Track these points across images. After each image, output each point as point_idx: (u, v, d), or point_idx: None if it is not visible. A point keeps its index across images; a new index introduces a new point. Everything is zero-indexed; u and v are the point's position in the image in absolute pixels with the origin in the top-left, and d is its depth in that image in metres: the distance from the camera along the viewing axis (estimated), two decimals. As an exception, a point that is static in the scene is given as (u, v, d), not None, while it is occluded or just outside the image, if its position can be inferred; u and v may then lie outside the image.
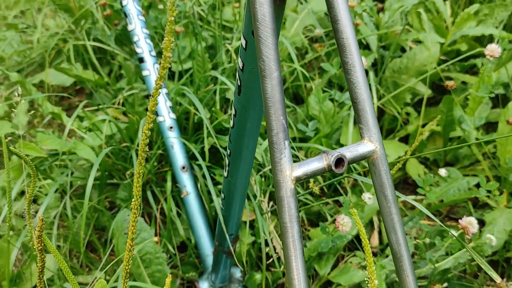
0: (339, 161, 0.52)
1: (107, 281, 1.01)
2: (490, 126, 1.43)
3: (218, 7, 1.54)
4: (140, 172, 0.48)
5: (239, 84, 0.65)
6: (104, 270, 1.02)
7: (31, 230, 0.73)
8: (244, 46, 0.60)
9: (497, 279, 0.62)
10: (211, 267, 1.07)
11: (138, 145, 1.14)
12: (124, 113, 1.45)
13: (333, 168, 0.51)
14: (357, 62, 0.54)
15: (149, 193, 1.17)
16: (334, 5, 0.50)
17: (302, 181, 0.50)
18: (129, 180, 1.12)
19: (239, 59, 0.63)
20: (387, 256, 1.08)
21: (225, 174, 0.82)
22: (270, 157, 0.50)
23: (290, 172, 0.50)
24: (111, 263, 0.84)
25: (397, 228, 0.58)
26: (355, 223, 1.10)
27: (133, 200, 0.49)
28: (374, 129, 0.55)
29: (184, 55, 1.42)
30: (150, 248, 1.03)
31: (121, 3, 1.20)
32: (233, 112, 0.70)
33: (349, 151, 0.54)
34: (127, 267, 0.53)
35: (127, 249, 0.50)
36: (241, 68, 0.63)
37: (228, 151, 0.77)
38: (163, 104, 1.17)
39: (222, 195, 0.87)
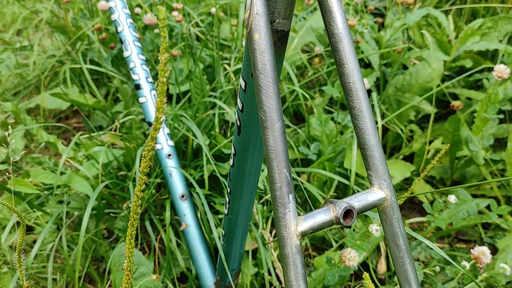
0: (348, 213, 0.49)
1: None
2: (497, 141, 1.40)
3: (216, 25, 1.51)
4: (133, 233, 0.44)
5: (238, 124, 0.62)
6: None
7: (23, 278, 0.69)
8: (243, 87, 0.56)
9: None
10: (214, 300, 1.03)
11: (135, 174, 1.10)
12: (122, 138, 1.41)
13: (342, 220, 0.48)
14: (365, 107, 0.50)
15: (147, 223, 1.13)
16: (339, 48, 0.47)
17: (308, 235, 0.46)
18: (126, 212, 1.09)
19: (238, 100, 0.59)
20: (396, 284, 1.05)
21: (226, 211, 0.78)
22: (273, 211, 0.46)
23: (295, 227, 0.47)
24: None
25: (410, 279, 0.54)
26: (360, 252, 1.06)
27: (125, 262, 0.45)
28: (385, 176, 0.52)
29: (182, 77, 1.39)
30: (149, 283, 0.99)
31: (116, 29, 1.17)
32: (232, 151, 0.67)
33: (358, 201, 0.51)
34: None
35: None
36: (240, 109, 0.60)
37: (228, 189, 0.73)
38: (161, 132, 1.13)
39: (223, 231, 0.83)
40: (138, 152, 1.08)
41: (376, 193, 0.52)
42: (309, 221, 0.47)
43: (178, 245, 1.16)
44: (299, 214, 0.48)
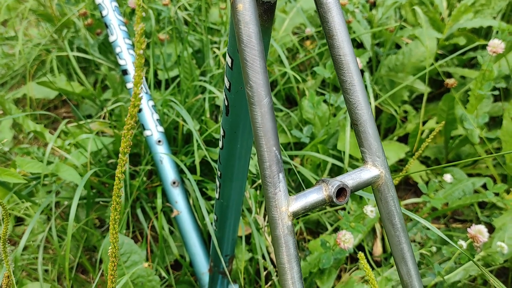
0: (341, 191, 0.47)
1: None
2: (492, 120, 1.38)
3: (204, 8, 1.48)
4: (116, 218, 0.42)
5: (226, 104, 0.60)
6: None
7: (9, 269, 0.67)
8: (230, 65, 0.54)
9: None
10: (208, 286, 1.02)
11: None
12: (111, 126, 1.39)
13: (334, 199, 0.46)
14: (357, 81, 0.48)
15: (139, 211, 1.11)
16: (328, 19, 0.45)
17: (300, 216, 0.44)
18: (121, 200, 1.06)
19: (225, 79, 0.57)
20: (392, 266, 1.03)
21: (217, 196, 0.76)
22: (263, 191, 0.44)
23: (286, 207, 0.45)
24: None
25: (407, 259, 0.53)
26: (355, 234, 1.04)
27: (109, 248, 0.43)
28: (378, 153, 0.50)
29: (170, 62, 1.36)
30: (141, 271, 0.97)
31: (101, 13, 1.13)
32: (221, 133, 0.64)
33: (351, 179, 0.49)
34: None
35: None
36: (228, 88, 0.58)
37: (219, 173, 0.71)
38: (150, 118, 1.11)
39: (215, 216, 0.81)
40: (127, 136, 1.05)
41: (370, 171, 0.50)
42: (301, 201, 0.45)
43: (171, 232, 1.14)
44: (290, 195, 0.46)
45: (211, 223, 0.88)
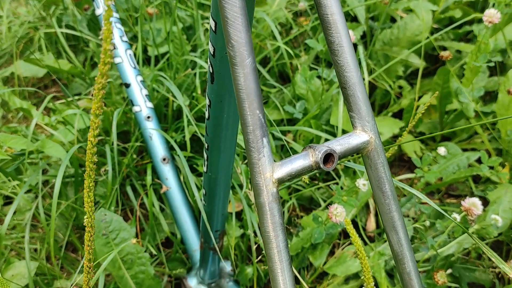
0: (328, 157, 0.45)
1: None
2: (488, 95, 1.36)
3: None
4: (91, 185, 0.40)
5: (211, 71, 0.57)
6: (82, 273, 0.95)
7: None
8: (213, 28, 0.52)
9: (510, 273, 0.55)
10: (199, 263, 1.01)
11: (114, 139, 1.06)
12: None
13: (322, 165, 0.44)
14: (345, 41, 0.46)
15: (129, 188, 1.09)
16: (313, -28, 0.42)
17: (285, 183, 0.42)
18: (105, 177, 1.04)
19: (210, 44, 0.54)
20: (385, 241, 1.02)
21: (205, 169, 0.74)
22: (247, 157, 0.42)
23: (271, 173, 0.43)
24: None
25: (398, 227, 0.51)
26: (348, 209, 1.03)
27: (85, 217, 0.41)
28: (368, 117, 0.48)
29: (160, 38, 1.33)
30: (131, 248, 0.96)
31: (85, -16, 1.10)
32: (207, 102, 0.62)
33: (340, 144, 0.47)
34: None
35: (85, 272, 0.43)
36: (212, 53, 0.55)
37: (206, 145, 0.69)
38: (139, 93, 1.08)
39: (204, 191, 0.79)
40: (114, 115, 1.03)
41: (359, 136, 0.48)
42: (287, 167, 0.44)
43: (162, 210, 1.13)
44: (276, 161, 0.44)
45: (200, 199, 0.86)
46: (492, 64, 1.02)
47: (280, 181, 0.43)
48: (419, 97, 1.33)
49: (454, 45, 1.35)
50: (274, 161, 0.44)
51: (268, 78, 1.36)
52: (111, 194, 1.02)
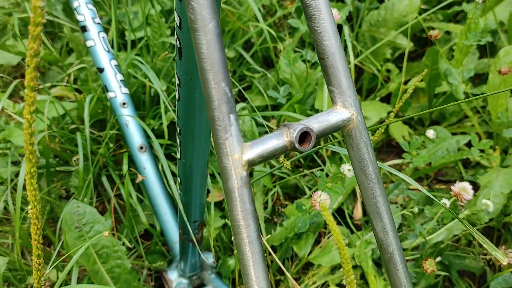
0: (305, 136, 0.40)
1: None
2: (477, 78, 1.32)
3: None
4: (33, 172, 0.35)
5: (178, 45, 0.52)
6: (53, 267, 0.90)
7: None
8: (178, -5, 0.46)
9: (504, 261, 0.51)
10: (179, 256, 0.96)
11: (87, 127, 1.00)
12: (77, 91, 1.30)
13: (297, 145, 0.39)
14: (323, 6, 0.41)
15: (104, 178, 1.04)
16: None
17: (257, 165, 0.37)
18: (78, 167, 0.99)
19: (175, 15, 0.49)
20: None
21: (178, 155, 0.69)
22: (212, 137, 0.38)
23: (239, 155, 0.38)
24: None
25: (382, 213, 0.47)
26: (334, 196, 0.99)
27: (29, 208, 0.36)
28: (349, 91, 0.43)
29: (137, 21, 1.27)
30: (106, 241, 0.91)
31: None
32: (176, 81, 0.57)
33: (318, 122, 0.42)
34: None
35: (35, 269, 0.38)
36: (178, 24, 0.50)
37: (178, 129, 0.64)
38: (113, 78, 1.02)
39: (179, 179, 0.75)
40: (86, 100, 0.97)
41: (339, 113, 0.43)
42: (258, 148, 0.39)
43: (141, 201, 1.08)
44: (246, 142, 0.39)
45: (176, 188, 0.81)
46: (482, 43, 0.98)
47: (251, 164, 0.38)
48: (407, 81, 1.29)
49: (443, 26, 1.31)
50: (244, 141, 0.39)
51: (252, 63, 1.31)
52: (84, 185, 0.97)
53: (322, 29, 0.41)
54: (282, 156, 0.80)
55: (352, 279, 0.34)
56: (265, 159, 0.39)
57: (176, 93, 0.58)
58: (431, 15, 1.37)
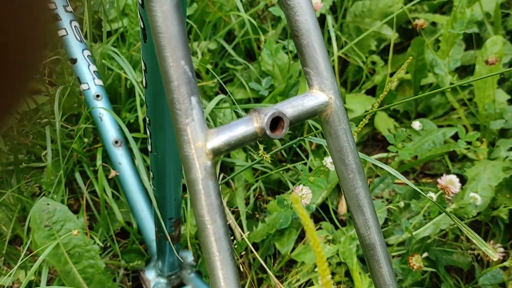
0: (277, 122, 0.36)
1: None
2: (464, 70, 1.30)
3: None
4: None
5: (142, 26, 0.48)
6: (17, 266, 0.86)
7: None
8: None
9: (494, 257, 0.48)
10: (156, 254, 0.92)
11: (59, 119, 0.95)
12: (50, 83, 1.25)
13: (268, 132, 0.35)
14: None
15: (78, 174, 0.99)
16: None
17: (224, 154, 0.33)
18: (47, 163, 0.94)
19: (137, -10, 0.45)
20: (358, 225, 0.95)
21: (149, 148, 0.65)
22: (172, 122, 0.34)
23: (203, 142, 0.34)
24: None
25: (364, 206, 0.43)
26: (318, 191, 0.95)
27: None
28: (326, 73, 0.39)
29: (114, 10, 1.22)
30: (78, 240, 0.86)
31: None
32: (143, 66, 0.53)
33: (292, 106, 0.38)
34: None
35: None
36: (141, 2, 0.46)
37: (147, 119, 0.60)
38: (86, 69, 0.98)
39: (151, 173, 0.70)
40: (57, 92, 0.92)
41: (315, 97, 0.39)
42: (224, 135, 0.35)
43: (117, 198, 1.03)
44: (211, 128, 0.35)
45: (150, 183, 0.77)
46: (469, 31, 0.95)
47: (216, 152, 0.34)
48: (392, 73, 1.26)
49: (429, 17, 1.28)
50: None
51: (234, 55, 1.27)
52: (55, 182, 0.92)
53: (295, 3, 0.37)
54: (262, 149, 0.76)
55: (328, 279, 0.31)
56: (232, 147, 0.35)
57: (143, 80, 0.54)
58: (417, 6, 1.34)
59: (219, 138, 0.34)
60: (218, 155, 0.35)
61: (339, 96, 0.39)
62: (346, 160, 0.41)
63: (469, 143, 0.97)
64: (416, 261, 0.79)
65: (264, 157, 0.73)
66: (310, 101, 0.39)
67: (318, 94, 0.39)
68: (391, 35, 1.19)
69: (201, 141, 0.34)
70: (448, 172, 1.07)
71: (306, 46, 0.38)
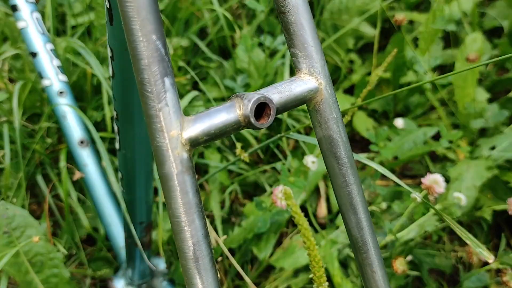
0: (262, 109, 0.32)
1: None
2: (442, 69, 1.28)
3: None
4: None
5: (108, 6, 0.43)
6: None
7: None
8: None
9: (490, 258, 0.45)
10: (126, 262, 0.86)
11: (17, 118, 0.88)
12: (11, 80, 1.17)
13: (252, 120, 0.31)
14: None
15: (40, 177, 0.92)
16: None
17: (202, 145, 0.27)
18: (6, 165, 0.87)
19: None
20: (337, 228, 0.91)
21: (117, 145, 0.59)
22: (143, 108, 0.29)
23: (178, 131, 0.30)
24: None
25: (357, 205, 0.39)
26: (297, 193, 0.91)
27: None
28: (316, 55, 0.35)
29: (80, 4, 1.15)
30: (40, 247, 0.80)
31: None
32: (109, 53, 0.47)
33: (278, 92, 0.34)
34: None
35: None
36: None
37: (115, 113, 0.55)
38: (48, 64, 0.91)
39: (120, 174, 0.65)
40: (15, 87, 0.85)
41: (304, 82, 0.35)
42: (203, 123, 0.30)
43: (84, 202, 0.97)
44: (187, 115, 0.31)
45: (119, 185, 0.71)
46: (449, 29, 0.93)
47: (194, 143, 0.30)
48: (369, 73, 1.24)
49: (407, 15, 1.26)
50: (185, 114, 0.30)
51: (207, 52, 1.22)
52: (15, 185, 0.85)
53: (282, -25, 0.33)
54: (239, 147, 0.72)
55: (326, 287, 0.26)
56: (212, 137, 0.30)
57: (110, 69, 0.49)
58: (394, 4, 1.32)
59: (197, 126, 0.29)
60: (196, 146, 0.30)
61: (330, 81, 0.35)
62: (337, 154, 0.36)
63: (451, 142, 0.95)
64: (401, 265, 0.75)
65: (242, 156, 0.68)
66: (298, 86, 0.34)
67: (307, 79, 0.35)
68: (370, 32, 1.17)
69: (175, 130, 0.29)
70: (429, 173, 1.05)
71: (293, 24, 0.34)
